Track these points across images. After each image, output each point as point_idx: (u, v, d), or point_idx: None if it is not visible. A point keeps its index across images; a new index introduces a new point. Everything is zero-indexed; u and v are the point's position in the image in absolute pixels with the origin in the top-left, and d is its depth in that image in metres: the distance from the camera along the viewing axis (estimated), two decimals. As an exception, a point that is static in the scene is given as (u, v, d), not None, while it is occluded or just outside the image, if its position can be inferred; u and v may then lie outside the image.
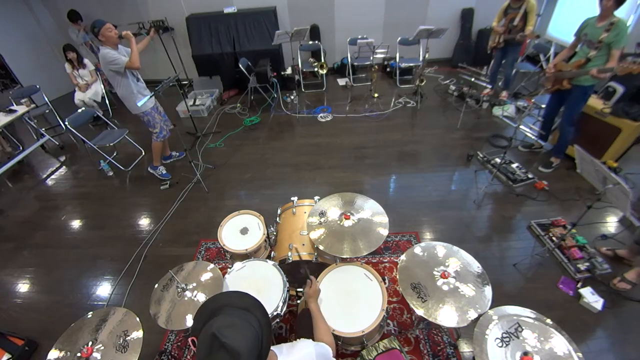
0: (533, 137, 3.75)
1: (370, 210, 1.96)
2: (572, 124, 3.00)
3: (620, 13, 2.53)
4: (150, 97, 3.14)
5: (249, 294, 0.97)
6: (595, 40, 2.53)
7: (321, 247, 1.75)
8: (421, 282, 1.58)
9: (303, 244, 1.97)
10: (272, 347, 0.99)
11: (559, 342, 1.24)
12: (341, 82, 5.80)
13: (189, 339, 0.87)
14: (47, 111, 5.13)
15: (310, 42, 5.69)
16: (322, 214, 1.94)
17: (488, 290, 1.51)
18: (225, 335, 0.80)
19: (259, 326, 0.88)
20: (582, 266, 2.26)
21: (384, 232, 1.81)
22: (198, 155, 4.03)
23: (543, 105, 3.65)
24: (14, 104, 4.39)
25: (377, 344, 1.66)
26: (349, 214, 1.89)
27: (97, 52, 5.54)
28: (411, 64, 5.45)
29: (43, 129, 4.61)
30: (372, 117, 4.57)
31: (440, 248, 1.74)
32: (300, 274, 2.04)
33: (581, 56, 2.70)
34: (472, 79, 5.29)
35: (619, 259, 2.33)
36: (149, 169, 3.79)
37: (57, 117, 4.91)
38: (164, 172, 3.72)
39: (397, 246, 2.63)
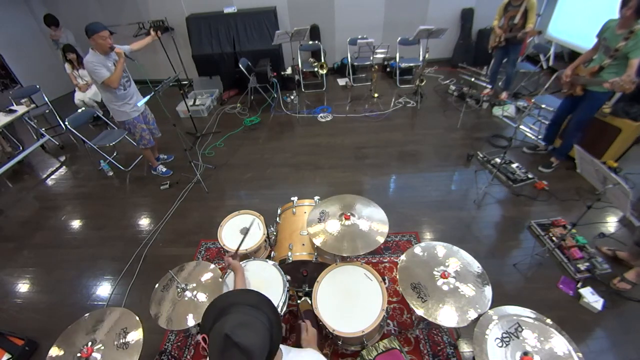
0: (533, 137, 3.75)
1: (369, 216, 1.91)
2: (581, 129, 2.96)
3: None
4: (150, 97, 3.13)
5: (257, 291, 0.98)
6: (612, 48, 2.42)
7: (321, 246, 1.75)
8: (421, 282, 1.58)
9: (303, 244, 1.97)
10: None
11: (559, 342, 1.24)
12: (341, 82, 5.80)
13: (200, 336, 0.88)
14: (47, 111, 5.13)
15: (310, 42, 5.69)
16: (323, 214, 1.94)
17: (488, 290, 1.51)
18: (237, 334, 0.81)
19: (269, 323, 0.88)
20: (582, 266, 2.26)
21: (381, 239, 1.78)
22: (198, 156, 4.03)
23: (543, 105, 3.64)
24: (14, 104, 4.39)
25: (377, 344, 1.67)
26: (349, 214, 1.89)
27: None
28: (411, 64, 5.45)
29: (43, 129, 4.61)
30: (372, 117, 4.57)
31: (440, 248, 1.74)
32: (301, 274, 2.04)
33: (597, 62, 2.60)
34: (472, 79, 5.29)
35: (619, 260, 2.33)
36: (152, 171, 3.83)
37: (57, 117, 4.91)
38: (164, 170, 3.76)
39: (397, 246, 2.63)
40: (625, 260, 2.30)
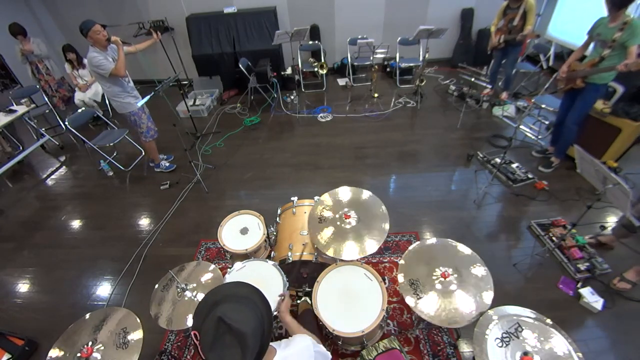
0: (533, 137, 3.75)
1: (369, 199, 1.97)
2: (579, 123, 2.97)
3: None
4: (151, 97, 3.14)
5: (247, 283, 0.99)
6: (609, 40, 2.52)
7: (324, 251, 1.75)
8: (419, 279, 1.59)
9: (303, 244, 1.97)
10: (271, 343, 1.00)
11: (559, 342, 1.24)
12: (341, 82, 5.80)
13: (192, 332, 0.88)
14: (47, 111, 5.13)
15: (310, 42, 5.69)
16: (322, 219, 1.94)
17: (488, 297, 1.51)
18: (230, 318, 0.82)
19: (260, 311, 0.90)
20: (582, 266, 2.26)
21: (386, 225, 1.82)
22: (198, 155, 4.03)
23: (543, 105, 3.64)
24: (14, 104, 4.39)
25: (377, 344, 1.67)
26: (348, 213, 1.89)
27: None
28: (411, 64, 5.44)
29: (43, 129, 4.61)
30: (372, 117, 4.57)
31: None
32: (301, 274, 2.04)
33: (595, 56, 2.68)
34: (472, 79, 5.29)
35: (602, 245, 2.41)
36: (154, 168, 3.84)
37: (57, 117, 4.91)
38: (168, 164, 3.79)
39: (397, 246, 2.63)
40: (607, 244, 2.39)
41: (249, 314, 0.87)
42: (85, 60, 4.88)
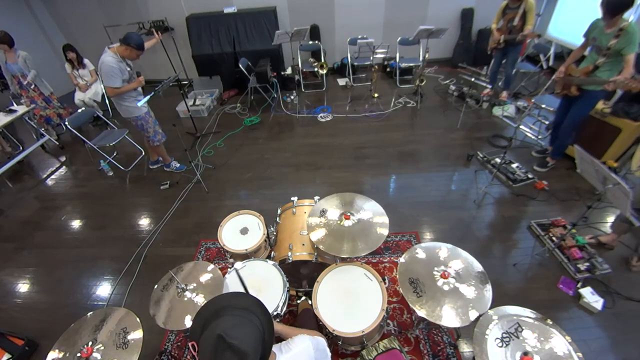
0: (533, 137, 3.75)
1: (371, 210, 1.95)
2: (575, 127, 2.97)
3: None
4: (150, 97, 3.14)
5: (248, 294, 0.98)
6: (604, 47, 2.47)
7: (321, 247, 1.75)
8: (419, 279, 1.58)
9: (303, 244, 1.97)
10: None
11: (559, 342, 1.24)
12: (341, 82, 5.80)
13: (189, 343, 0.86)
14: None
15: (310, 42, 5.69)
16: (323, 212, 1.94)
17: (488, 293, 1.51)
18: (231, 335, 0.80)
19: (261, 325, 0.88)
20: (582, 266, 2.26)
21: (384, 231, 1.81)
22: (198, 155, 4.03)
23: (543, 105, 3.64)
24: (14, 104, 4.39)
25: (377, 344, 1.67)
26: (349, 214, 1.89)
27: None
28: (411, 64, 5.45)
29: (43, 129, 4.61)
30: (372, 117, 4.57)
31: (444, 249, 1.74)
32: (301, 274, 2.04)
33: (590, 62, 2.64)
34: (472, 79, 5.29)
35: (602, 245, 2.42)
36: (164, 168, 3.84)
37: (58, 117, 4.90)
38: (178, 165, 3.80)
39: (397, 246, 2.63)
40: (608, 244, 2.39)
41: (250, 328, 0.85)
42: (85, 60, 4.89)
